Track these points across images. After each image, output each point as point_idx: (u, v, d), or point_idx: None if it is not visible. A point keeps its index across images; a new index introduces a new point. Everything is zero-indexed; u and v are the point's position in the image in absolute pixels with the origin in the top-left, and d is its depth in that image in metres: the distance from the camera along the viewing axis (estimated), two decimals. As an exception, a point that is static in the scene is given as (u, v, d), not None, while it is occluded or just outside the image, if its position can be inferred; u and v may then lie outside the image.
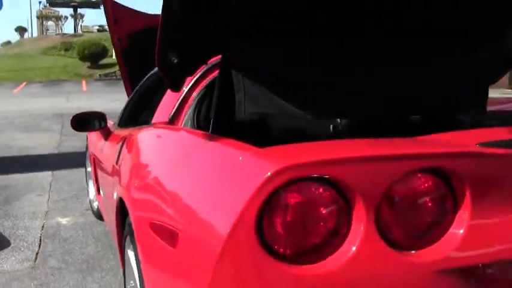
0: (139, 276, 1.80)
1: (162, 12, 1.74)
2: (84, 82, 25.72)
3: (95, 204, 4.55)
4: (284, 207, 1.21)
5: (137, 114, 3.55)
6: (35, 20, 47.74)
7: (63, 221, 4.66)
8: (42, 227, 4.50)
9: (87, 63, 29.21)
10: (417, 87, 2.18)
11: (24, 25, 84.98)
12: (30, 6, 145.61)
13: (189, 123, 2.33)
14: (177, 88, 2.28)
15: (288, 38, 2.01)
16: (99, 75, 27.58)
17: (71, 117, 3.78)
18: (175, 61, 2.07)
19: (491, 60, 2.46)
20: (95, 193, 4.48)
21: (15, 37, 49.72)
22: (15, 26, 48.84)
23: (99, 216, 4.45)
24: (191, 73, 2.37)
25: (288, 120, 2.14)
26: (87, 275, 3.36)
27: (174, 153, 1.91)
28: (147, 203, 1.81)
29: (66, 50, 33.66)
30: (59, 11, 45.14)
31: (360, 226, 1.23)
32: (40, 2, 48.02)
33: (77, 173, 6.43)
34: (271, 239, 1.22)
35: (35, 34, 46.42)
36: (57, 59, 32.12)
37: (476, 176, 1.30)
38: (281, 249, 1.22)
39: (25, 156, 8.10)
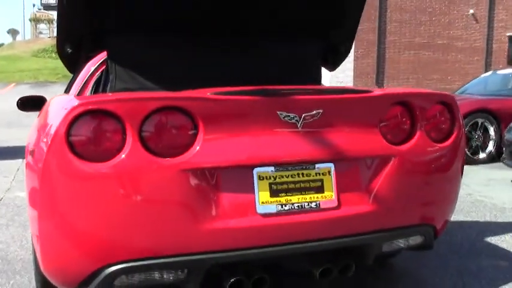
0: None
1: (57, 11, 2.61)
2: (71, 83, 26.36)
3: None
4: (81, 128, 2.02)
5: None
6: (28, 22, 48.51)
7: (21, 194, 5.44)
8: (1, 198, 5.29)
9: (76, 65, 29.85)
10: (252, 69, 3.02)
11: (17, 28, 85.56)
12: (24, 9, 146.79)
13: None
14: (72, 71, 3.16)
15: (147, 35, 2.87)
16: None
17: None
18: (70, 51, 2.94)
19: (317, 54, 3.33)
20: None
21: (7, 39, 50.35)
22: (7, 29, 49.49)
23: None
24: (85, 61, 3.22)
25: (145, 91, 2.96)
26: (27, 229, 4.15)
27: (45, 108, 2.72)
28: (29, 141, 2.62)
29: (57, 52, 34.32)
30: (52, 14, 45.86)
31: (130, 141, 2.05)
32: (34, 5, 48.83)
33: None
34: (76, 145, 2.03)
35: (28, 37, 47.19)
36: (47, 61, 32.86)
37: (208, 112, 2.13)
38: (83, 153, 2.03)
39: (1, 148, 8.91)
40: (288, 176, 2.27)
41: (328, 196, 2.31)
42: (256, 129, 2.22)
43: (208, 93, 2.19)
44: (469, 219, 4.57)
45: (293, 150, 2.25)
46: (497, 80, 8.98)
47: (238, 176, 2.21)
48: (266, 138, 2.23)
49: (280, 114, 2.22)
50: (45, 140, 2.11)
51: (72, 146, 2.03)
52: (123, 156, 2.06)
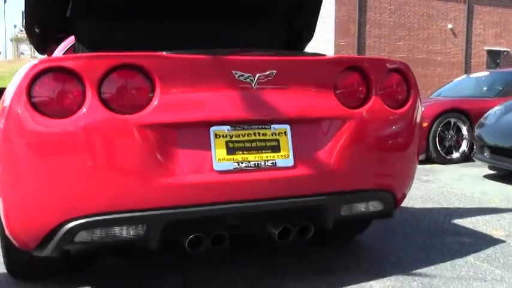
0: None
1: None
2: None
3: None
4: (41, 85, 2.07)
5: None
6: (9, 42, 48.47)
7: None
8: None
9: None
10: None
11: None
12: (5, 29, 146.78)
13: None
14: (42, 52, 3.21)
15: (114, 20, 2.99)
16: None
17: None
18: (38, 31, 3.01)
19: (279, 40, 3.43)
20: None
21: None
22: (-12, 49, 49.46)
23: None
24: (55, 42, 3.28)
25: None
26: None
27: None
28: None
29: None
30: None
31: (89, 98, 2.11)
32: (15, 26, 48.83)
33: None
34: (37, 102, 2.08)
35: (10, 57, 47.13)
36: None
37: (164, 70, 2.19)
38: (44, 110, 2.08)
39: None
40: (244, 135, 2.32)
41: (285, 155, 2.37)
42: (211, 88, 2.28)
43: (164, 52, 2.26)
44: (437, 206, 4.65)
45: (248, 109, 2.32)
46: (470, 83, 9.14)
47: (195, 134, 2.26)
48: (222, 97, 2.29)
49: (235, 73, 2.29)
50: (7, 98, 2.16)
51: (33, 103, 2.08)
52: (83, 112, 2.11)
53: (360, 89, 2.57)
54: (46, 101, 2.11)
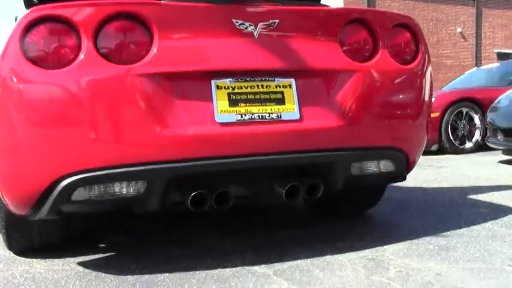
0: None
1: None
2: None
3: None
4: (35, 35, 2.01)
5: None
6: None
7: None
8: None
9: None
10: None
11: None
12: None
13: None
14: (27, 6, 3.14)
15: None
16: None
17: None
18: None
19: None
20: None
21: None
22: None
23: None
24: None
25: None
26: None
27: None
28: None
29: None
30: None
31: (85, 48, 2.05)
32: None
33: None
34: (31, 53, 2.01)
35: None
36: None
37: (162, 18, 2.12)
38: (39, 60, 2.01)
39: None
40: (247, 86, 2.24)
41: (290, 108, 2.28)
42: (211, 37, 2.21)
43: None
44: (452, 186, 4.53)
45: (250, 59, 2.24)
46: (482, 74, 9.02)
47: (196, 85, 2.19)
48: (222, 46, 2.22)
49: (236, 22, 2.22)
50: (1, 51, 2.09)
51: (27, 53, 2.02)
52: (79, 62, 2.05)
53: (366, 41, 2.49)
54: (40, 51, 2.04)
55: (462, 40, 25.05)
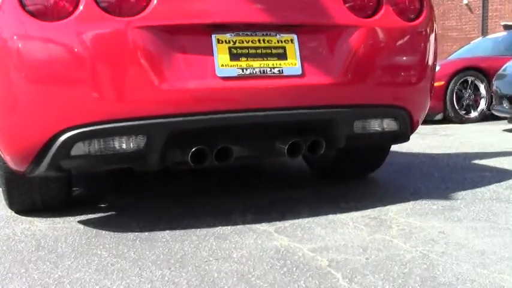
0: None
1: None
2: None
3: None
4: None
5: None
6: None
7: None
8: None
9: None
10: None
11: None
12: None
13: None
14: None
15: None
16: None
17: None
18: None
19: None
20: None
21: None
22: None
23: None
24: None
25: None
26: None
27: None
28: None
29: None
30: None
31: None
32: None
33: None
34: (29, 3, 1.98)
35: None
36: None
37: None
38: (37, 12, 1.97)
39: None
40: (248, 41, 2.19)
41: (292, 63, 2.23)
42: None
43: None
44: (456, 151, 4.49)
45: (252, 13, 2.19)
46: (488, 44, 8.92)
47: (196, 38, 2.14)
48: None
49: None
50: None
51: (25, 6, 1.97)
52: (78, 14, 2.00)
53: (370, -3, 2.42)
54: (38, 3, 1.99)
55: (468, 12, 24.74)
